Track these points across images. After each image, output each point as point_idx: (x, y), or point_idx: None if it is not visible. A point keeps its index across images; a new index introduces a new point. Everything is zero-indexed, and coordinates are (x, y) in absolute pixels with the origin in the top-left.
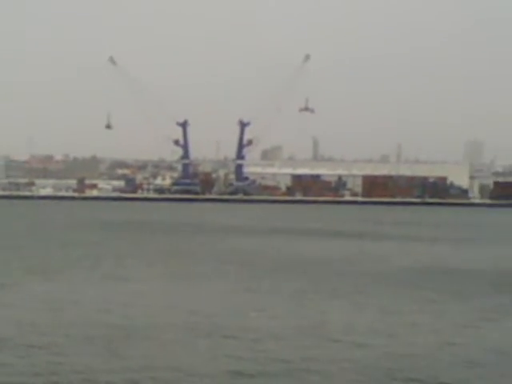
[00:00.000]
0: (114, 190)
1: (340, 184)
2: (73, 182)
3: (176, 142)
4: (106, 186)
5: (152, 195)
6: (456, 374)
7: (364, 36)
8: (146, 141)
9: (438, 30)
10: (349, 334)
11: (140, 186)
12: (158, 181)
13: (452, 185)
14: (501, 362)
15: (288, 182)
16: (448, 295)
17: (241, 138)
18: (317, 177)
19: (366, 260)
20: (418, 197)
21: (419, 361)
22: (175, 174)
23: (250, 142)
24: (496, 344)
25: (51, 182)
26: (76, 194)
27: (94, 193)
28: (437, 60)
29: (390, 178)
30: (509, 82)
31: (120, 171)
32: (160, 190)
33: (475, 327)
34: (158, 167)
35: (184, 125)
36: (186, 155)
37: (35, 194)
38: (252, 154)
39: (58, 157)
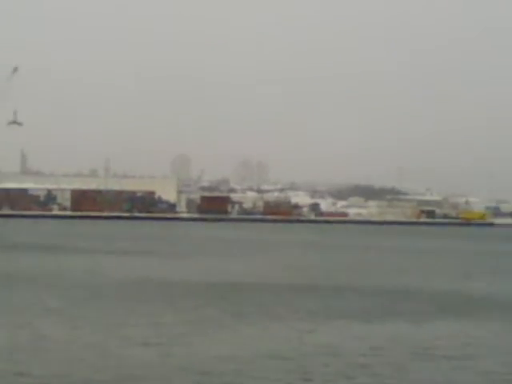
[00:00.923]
0: None
1: (49, 198)
2: None
3: None
4: None
5: None
6: None
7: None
8: None
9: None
10: (64, 349)
11: None
12: None
13: (160, 199)
14: (227, 370)
15: None
16: (161, 307)
17: None
18: (25, 190)
19: (76, 274)
20: (127, 211)
21: (140, 373)
22: None
23: None
24: (212, 354)
25: None
26: None
27: None
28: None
29: (98, 192)
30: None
31: None
32: None
33: (189, 338)
34: None
35: None
36: None
37: None
38: None
39: None
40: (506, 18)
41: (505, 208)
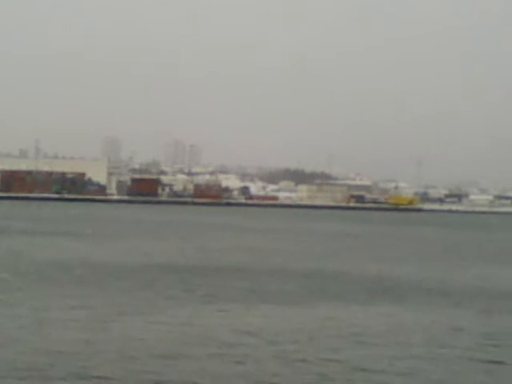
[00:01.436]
0: None
1: None
2: None
3: None
4: None
5: None
6: (108, 369)
7: None
8: None
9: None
10: None
11: None
12: None
13: (90, 181)
14: (159, 353)
15: None
16: (91, 290)
17: None
18: None
19: (2, 255)
20: (57, 192)
21: (70, 356)
22: None
23: None
24: (142, 337)
25: None
26: None
27: None
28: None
29: (28, 173)
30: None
31: None
32: None
33: (120, 321)
34: None
35: None
36: None
37: None
38: None
39: None
40: None
41: (433, 193)
